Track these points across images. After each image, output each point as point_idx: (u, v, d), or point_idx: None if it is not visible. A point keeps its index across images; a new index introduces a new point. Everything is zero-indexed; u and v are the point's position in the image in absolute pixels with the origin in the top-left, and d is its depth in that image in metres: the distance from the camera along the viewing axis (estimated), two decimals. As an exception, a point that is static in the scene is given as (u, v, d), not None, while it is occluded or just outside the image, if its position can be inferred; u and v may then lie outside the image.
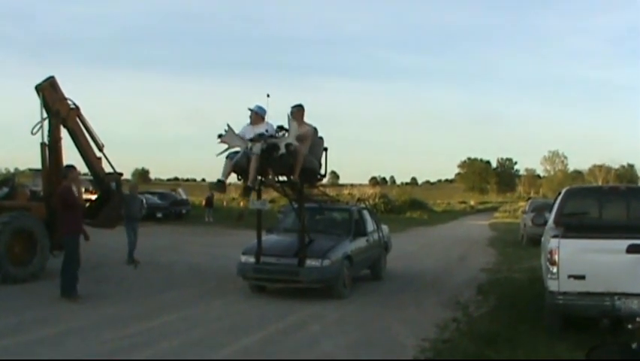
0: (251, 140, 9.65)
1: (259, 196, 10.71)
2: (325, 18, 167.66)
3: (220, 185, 9.97)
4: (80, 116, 12.57)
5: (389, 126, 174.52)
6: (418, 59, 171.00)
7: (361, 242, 11.85)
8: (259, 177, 10.03)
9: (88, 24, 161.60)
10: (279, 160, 9.55)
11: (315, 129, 10.35)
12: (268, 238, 11.22)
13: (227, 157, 9.91)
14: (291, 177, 10.10)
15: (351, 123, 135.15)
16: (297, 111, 10.12)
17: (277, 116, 10.29)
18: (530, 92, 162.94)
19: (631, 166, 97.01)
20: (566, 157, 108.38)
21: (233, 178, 10.38)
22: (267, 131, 9.80)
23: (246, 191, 9.97)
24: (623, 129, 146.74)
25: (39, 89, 11.93)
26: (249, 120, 10.18)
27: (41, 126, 11.91)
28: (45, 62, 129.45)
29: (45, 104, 11.94)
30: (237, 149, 9.82)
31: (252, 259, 10.52)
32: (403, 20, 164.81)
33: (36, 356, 6.53)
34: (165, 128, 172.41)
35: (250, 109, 10.13)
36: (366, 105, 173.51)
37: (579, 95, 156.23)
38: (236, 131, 9.86)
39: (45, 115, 11.98)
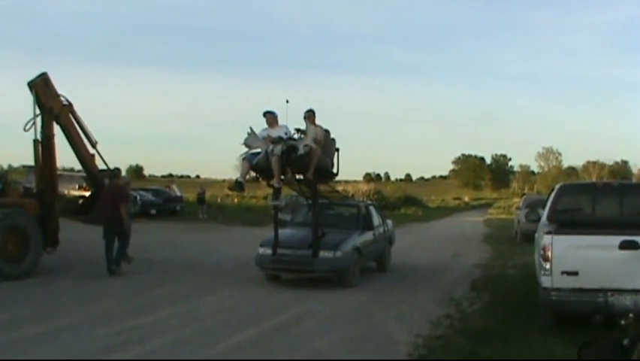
0: (272, 142, 10.42)
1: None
2: (321, 14, 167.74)
3: (239, 185, 11.17)
4: (73, 112, 12.51)
5: (383, 122, 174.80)
6: (412, 55, 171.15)
7: (369, 235, 12.52)
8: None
9: (84, 21, 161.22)
10: (298, 160, 10.43)
11: (327, 131, 11.11)
12: (283, 232, 11.81)
13: (243, 158, 10.86)
14: (306, 176, 10.77)
15: (345, 119, 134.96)
16: (309, 115, 10.94)
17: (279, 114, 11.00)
18: (525, 88, 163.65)
19: (625, 162, 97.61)
20: (560, 153, 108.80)
21: (233, 175, 10.98)
22: (285, 133, 10.63)
23: (275, 192, 10.93)
24: (617, 126, 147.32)
25: (32, 85, 11.85)
26: (263, 125, 11.00)
27: (34, 123, 11.85)
28: (40, 58, 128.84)
29: (38, 101, 11.86)
30: (256, 150, 10.70)
31: (269, 251, 11.15)
32: (396, 17, 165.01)
33: (30, 353, 6.51)
34: (160, 125, 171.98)
35: (265, 113, 10.93)
36: (361, 101, 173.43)
37: (573, 92, 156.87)
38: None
39: (38, 112, 11.92)
